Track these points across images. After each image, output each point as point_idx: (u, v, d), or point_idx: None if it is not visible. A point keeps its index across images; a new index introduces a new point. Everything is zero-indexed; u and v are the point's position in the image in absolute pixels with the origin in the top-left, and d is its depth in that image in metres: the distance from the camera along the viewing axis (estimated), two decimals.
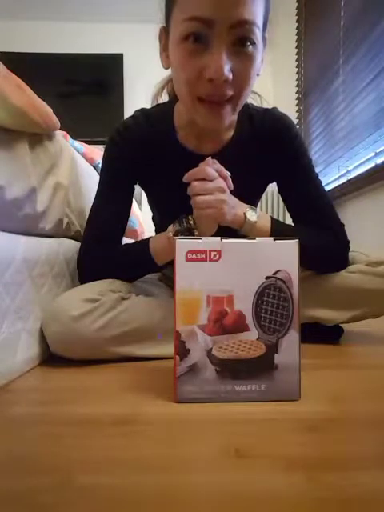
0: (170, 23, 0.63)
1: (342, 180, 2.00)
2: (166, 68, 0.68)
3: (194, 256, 0.48)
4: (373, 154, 1.72)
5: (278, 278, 0.48)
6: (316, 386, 0.54)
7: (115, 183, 0.78)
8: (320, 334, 0.82)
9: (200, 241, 0.48)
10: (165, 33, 0.66)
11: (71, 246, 0.84)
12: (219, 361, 0.48)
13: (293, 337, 0.49)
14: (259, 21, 0.60)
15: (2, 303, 0.56)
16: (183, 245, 0.48)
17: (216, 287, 0.48)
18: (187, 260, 0.48)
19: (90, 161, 1.19)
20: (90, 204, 0.80)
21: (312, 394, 0.51)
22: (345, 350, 0.78)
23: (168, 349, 0.68)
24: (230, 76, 0.59)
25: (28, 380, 0.58)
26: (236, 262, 0.48)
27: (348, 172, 1.96)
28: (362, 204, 1.81)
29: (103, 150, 0.80)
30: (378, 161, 1.67)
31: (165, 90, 0.84)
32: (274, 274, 0.48)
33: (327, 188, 2.13)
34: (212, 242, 0.48)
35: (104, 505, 0.29)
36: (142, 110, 0.79)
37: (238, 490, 0.31)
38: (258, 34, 0.60)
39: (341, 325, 0.84)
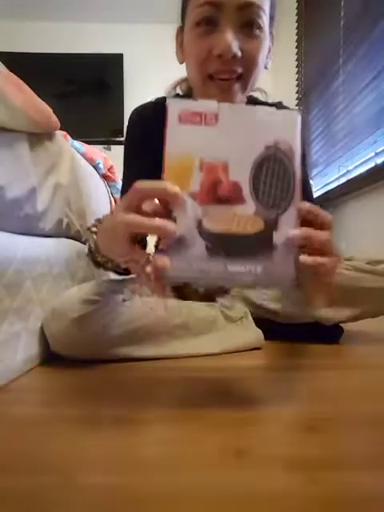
0: (185, 15, 0.68)
1: (342, 180, 2.00)
2: (181, 63, 0.73)
3: (187, 118, 0.43)
4: (373, 154, 1.71)
5: (279, 149, 0.43)
6: (316, 386, 0.54)
7: (138, 161, 0.79)
8: (320, 334, 0.82)
9: (195, 101, 0.43)
10: (180, 32, 0.71)
11: (71, 246, 0.84)
12: (210, 235, 0.42)
13: (292, 215, 0.43)
14: (266, 7, 0.63)
15: (2, 303, 0.56)
16: (176, 105, 0.43)
17: (210, 154, 0.42)
18: (180, 121, 0.42)
19: (90, 161, 1.19)
20: (90, 204, 0.80)
21: (312, 394, 0.51)
22: (345, 350, 0.78)
23: (169, 349, 0.68)
24: (239, 53, 0.62)
25: (28, 380, 0.58)
26: (234, 128, 0.43)
27: (348, 172, 1.96)
28: (361, 204, 1.81)
29: (103, 149, 0.80)
30: (378, 161, 1.67)
31: (178, 89, 0.86)
32: (275, 143, 0.43)
33: (327, 188, 2.14)
34: (208, 104, 0.43)
35: (103, 504, 0.29)
36: (158, 98, 0.83)
37: (238, 490, 0.31)
38: (264, 18, 0.63)
39: (340, 325, 0.84)
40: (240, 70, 0.64)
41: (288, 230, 0.42)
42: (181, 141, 0.42)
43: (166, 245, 0.41)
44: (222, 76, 0.64)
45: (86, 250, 0.66)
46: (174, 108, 0.42)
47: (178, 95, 0.85)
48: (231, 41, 0.61)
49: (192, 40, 0.66)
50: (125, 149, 0.84)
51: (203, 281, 0.43)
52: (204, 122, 0.43)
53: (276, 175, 0.43)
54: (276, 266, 0.43)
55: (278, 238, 0.43)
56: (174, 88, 0.87)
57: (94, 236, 0.62)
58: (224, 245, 0.42)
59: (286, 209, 0.43)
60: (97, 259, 0.64)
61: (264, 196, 0.43)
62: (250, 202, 0.43)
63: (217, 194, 0.42)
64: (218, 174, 0.42)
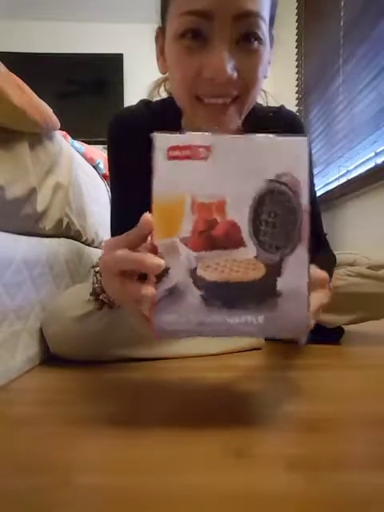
0: (165, 21, 0.56)
1: (342, 180, 2.00)
2: (164, 73, 0.63)
3: (176, 153, 0.38)
4: (373, 154, 1.71)
5: (283, 183, 0.38)
6: (316, 386, 0.54)
7: (124, 180, 0.70)
8: (321, 334, 0.82)
9: (184, 135, 0.39)
10: (161, 34, 0.59)
11: (71, 246, 0.84)
12: (206, 284, 0.38)
13: (301, 256, 0.38)
14: (265, 13, 0.52)
15: (2, 303, 0.56)
16: (163, 140, 0.38)
17: (203, 191, 0.38)
18: (169, 158, 0.38)
19: (90, 161, 1.19)
20: (90, 204, 0.80)
21: (312, 393, 0.51)
22: (345, 351, 0.78)
23: (169, 350, 0.68)
24: (234, 75, 0.52)
25: (28, 380, 0.58)
26: (229, 160, 0.38)
27: (348, 172, 1.96)
28: (361, 204, 1.81)
29: (103, 149, 0.79)
30: (378, 161, 1.67)
31: (162, 88, 0.76)
32: (278, 177, 0.38)
33: (327, 188, 2.14)
34: (199, 137, 0.38)
35: (103, 504, 0.29)
36: (143, 100, 0.74)
37: (238, 490, 0.31)
38: (264, 28, 0.53)
39: (341, 325, 0.84)
40: (235, 92, 0.54)
41: (296, 275, 0.38)
42: (169, 178, 0.38)
43: (156, 298, 0.38)
44: (213, 101, 0.54)
45: (90, 289, 0.64)
46: (161, 143, 0.38)
47: (165, 100, 0.72)
48: (226, 62, 0.50)
49: (176, 55, 0.54)
50: (110, 168, 0.72)
51: (200, 334, 0.39)
52: (195, 156, 0.38)
53: (279, 213, 0.38)
54: (282, 315, 0.38)
55: (283, 284, 0.38)
56: (158, 87, 0.75)
57: (98, 276, 0.58)
58: (222, 294, 0.39)
59: (293, 251, 0.38)
60: (100, 298, 0.61)
61: (266, 237, 0.38)
62: (250, 245, 0.38)
63: (212, 237, 0.38)
64: (213, 213, 0.38)
